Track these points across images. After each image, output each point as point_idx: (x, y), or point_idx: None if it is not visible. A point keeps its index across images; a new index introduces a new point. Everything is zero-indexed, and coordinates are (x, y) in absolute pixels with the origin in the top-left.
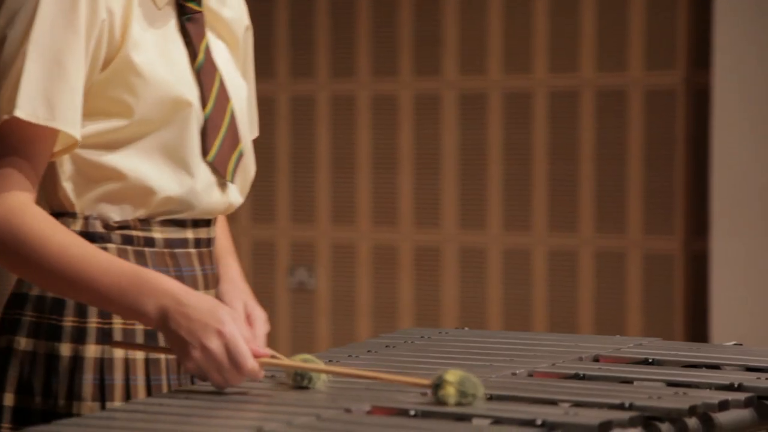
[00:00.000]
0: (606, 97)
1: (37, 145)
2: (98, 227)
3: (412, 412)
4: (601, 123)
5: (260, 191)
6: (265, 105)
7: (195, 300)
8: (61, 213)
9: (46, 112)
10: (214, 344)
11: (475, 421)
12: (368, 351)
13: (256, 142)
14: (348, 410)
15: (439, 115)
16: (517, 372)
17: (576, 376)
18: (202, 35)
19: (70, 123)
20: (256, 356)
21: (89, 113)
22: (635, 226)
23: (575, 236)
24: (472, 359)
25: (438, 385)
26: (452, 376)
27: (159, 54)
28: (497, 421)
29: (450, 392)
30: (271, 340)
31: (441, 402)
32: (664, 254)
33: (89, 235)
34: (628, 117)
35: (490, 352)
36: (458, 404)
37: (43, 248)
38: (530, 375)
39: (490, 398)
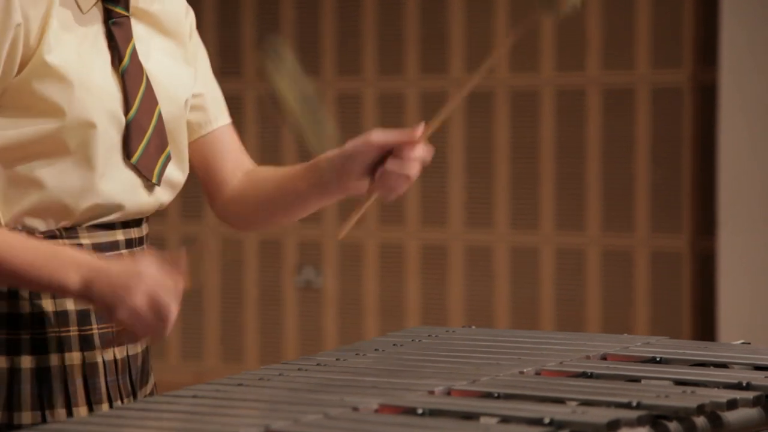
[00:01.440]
0: (613, 95)
1: None
2: None
3: (420, 411)
4: (607, 121)
5: None
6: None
7: (114, 266)
8: None
9: None
10: (139, 302)
11: (483, 420)
12: (375, 350)
13: (264, 142)
14: (355, 408)
15: None
16: (525, 371)
17: (584, 375)
18: (128, 38)
19: None
20: (182, 290)
21: (17, 114)
22: (642, 225)
23: (582, 234)
24: (480, 358)
25: None
26: None
27: (78, 57)
28: (505, 419)
29: None
30: (279, 339)
31: None
32: (671, 252)
33: None
34: (635, 115)
35: (498, 350)
36: None
37: None
38: (538, 374)
39: (498, 397)
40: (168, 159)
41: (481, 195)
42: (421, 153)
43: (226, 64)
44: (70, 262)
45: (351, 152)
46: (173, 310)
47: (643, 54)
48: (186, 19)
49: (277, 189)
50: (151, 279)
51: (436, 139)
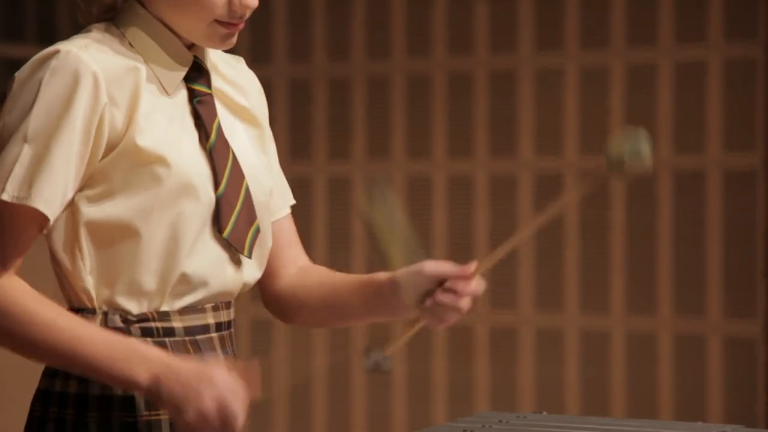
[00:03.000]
0: (684, 179)
1: (18, 223)
2: (118, 322)
3: None
4: (679, 204)
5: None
6: (342, 186)
7: (185, 365)
8: (80, 309)
9: (25, 192)
10: (208, 406)
11: None
12: None
13: (333, 224)
14: None
15: (515, 196)
16: None
17: None
18: (213, 116)
19: (45, 202)
20: (251, 401)
21: (106, 196)
22: (715, 309)
23: (654, 318)
24: None
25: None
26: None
27: (168, 139)
28: None
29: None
30: (347, 422)
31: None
32: (745, 337)
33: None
34: (707, 198)
35: None
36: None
37: (31, 321)
38: None
39: None
40: (257, 232)
41: (550, 278)
42: (473, 288)
43: (297, 147)
44: (141, 358)
45: (404, 280)
46: (240, 418)
47: (714, 137)
48: (264, 109)
49: (328, 297)
50: (221, 384)
51: (505, 221)
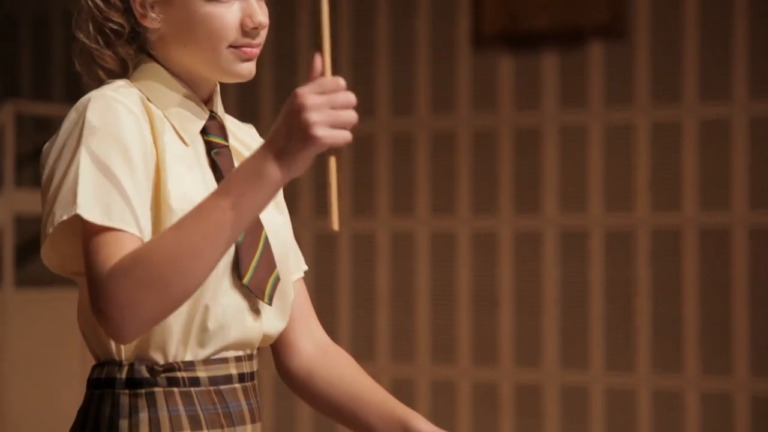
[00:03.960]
0: (710, 236)
1: (107, 238)
2: (144, 373)
3: None
4: (704, 261)
5: (359, 328)
6: (366, 242)
7: (273, 128)
8: (107, 361)
9: (100, 216)
10: (311, 101)
11: None
12: None
13: (358, 275)
14: None
15: (539, 253)
16: None
17: None
18: (231, 166)
19: (130, 224)
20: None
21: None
22: (742, 367)
23: (680, 377)
24: None
25: None
26: None
27: (190, 188)
28: None
29: None
30: None
31: None
32: None
33: (135, 382)
34: (733, 255)
35: None
36: None
37: (163, 246)
38: None
39: None
40: (277, 280)
41: (575, 335)
42: None
43: (321, 204)
44: (245, 170)
45: (397, 425)
46: (337, 81)
47: (740, 194)
48: None
49: (351, 408)
50: (304, 87)
51: (530, 278)
